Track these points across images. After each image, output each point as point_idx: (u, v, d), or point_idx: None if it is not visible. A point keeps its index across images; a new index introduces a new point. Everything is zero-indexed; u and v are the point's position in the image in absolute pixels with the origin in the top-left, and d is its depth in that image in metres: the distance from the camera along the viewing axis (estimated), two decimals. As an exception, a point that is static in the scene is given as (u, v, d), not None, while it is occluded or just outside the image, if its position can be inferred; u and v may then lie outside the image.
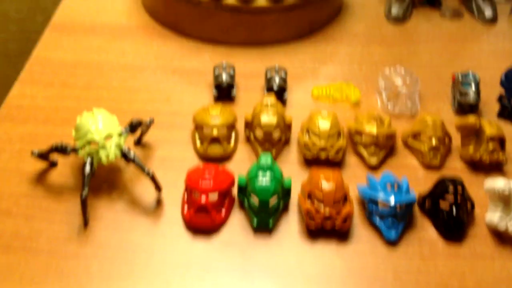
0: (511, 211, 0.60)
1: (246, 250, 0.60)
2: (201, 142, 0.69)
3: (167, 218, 0.62)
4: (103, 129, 0.61)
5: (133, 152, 0.61)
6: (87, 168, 0.60)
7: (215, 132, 0.68)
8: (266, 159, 0.62)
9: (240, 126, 0.72)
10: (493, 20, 0.94)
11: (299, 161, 0.70)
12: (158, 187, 0.62)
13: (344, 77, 0.82)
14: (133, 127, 0.64)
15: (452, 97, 0.77)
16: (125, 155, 0.61)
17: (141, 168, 0.61)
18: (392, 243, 0.61)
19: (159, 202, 0.64)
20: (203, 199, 0.60)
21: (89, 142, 0.61)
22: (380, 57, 0.86)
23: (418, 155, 0.70)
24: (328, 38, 0.89)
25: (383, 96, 0.77)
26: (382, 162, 0.69)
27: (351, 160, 0.70)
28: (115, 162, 0.63)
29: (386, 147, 0.69)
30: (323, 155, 0.67)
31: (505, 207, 0.60)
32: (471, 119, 0.66)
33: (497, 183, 0.60)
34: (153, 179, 0.61)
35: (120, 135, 0.62)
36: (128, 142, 0.69)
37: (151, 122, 0.68)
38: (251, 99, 0.77)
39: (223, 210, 0.62)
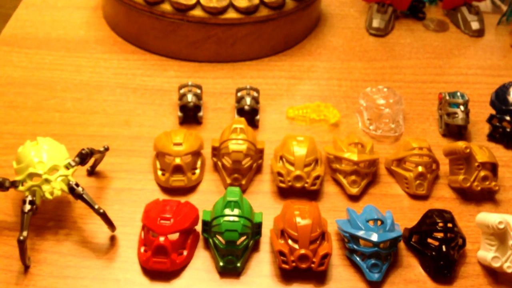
0: (508, 250, 0.54)
1: (211, 297, 0.53)
2: (163, 172, 0.62)
3: (122, 260, 0.55)
4: (47, 161, 0.54)
5: (82, 187, 0.54)
6: (27, 207, 0.52)
7: (177, 161, 0.60)
8: (233, 193, 0.55)
9: (207, 152, 0.65)
10: (480, 32, 0.88)
11: (272, 191, 0.63)
12: (111, 226, 0.55)
13: (323, 95, 0.75)
14: (83, 159, 0.56)
15: (439, 118, 0.71)
16: (72, 190, 0.54)
17: (91, 205, 0.53)
18: (375, 285, 0.54)
19: (113, 242, 0.56)
20: (161, 239, 0.53)
21: (31, 176, 0.53)
22: (360, 73, 0.80)
23: (402, 183, 0.63)
24: (305, 53, 0.83)
25: (364, 117, 0.71)
26: (363, 191, 0.63)
27: (330, 189, 0.63)
28: (63, 195, 0.55)
29: (368, 175, 0.63)
30: (298, 185, 0.61)
31: (500, 245, 0.54)
32: (460, 144, 0.60)
33: (491, 217, 0.54)
34: (105, 217, 0.53)
35: (67, 167, 0.55)
36: (81, 171, 0.61)
37: (106, 150, 0.60)
38: (220, 121, 0.70)
39: (185, 251, 0.55)
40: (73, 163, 0.56)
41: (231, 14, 0.75)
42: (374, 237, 0.54)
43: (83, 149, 0.57)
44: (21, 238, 0.50)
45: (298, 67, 0.80)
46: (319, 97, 0.75)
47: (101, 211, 0.53)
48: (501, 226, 0.53)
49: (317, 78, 0.79)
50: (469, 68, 0.82)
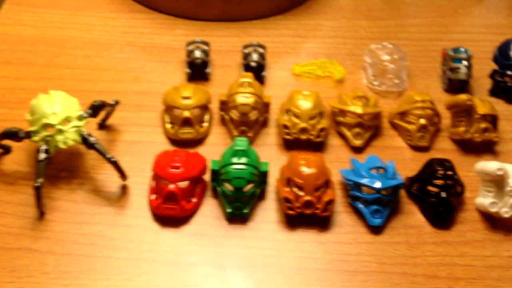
0: (504, 195, 0.55)
1: (220, 241, 0.55)
2: (172, 125, 0.64)
3: (133, 208, 0.57)
4: (60, 112, 0.56)
5: (95, 137, 0.56)
6: (42, 156, 0.54)
7: (186, 114, 0.62)
8: (241, 142, 0.57)
9: (214, 106, 0.66)
10: (485, -9, 0.88)
11: (278, 143, 0.65)
12: (123, 176, 0.57)
13: (328, 53, 0.76)
14: (95, 110, 0.58)
15: (442, 74, 0.73)
16: (85, 140, 0.56)
17: (103, 154, 0.55)
18: (376, 230, 0.57)
19: (124, 191, 0.58)
20: (171, 186, 0.55)
21: (45, 127, 0.55)
22: (366, 32, 0.80)
23: (405, 135, 0.65)
24: (310, 12, 0.83)
25: (368, 73, 0.72)
26: (367, 144, 0.65)
27: (334, 142, 0.65)
28: (76, 147, 0.57)
29: (372, 128, 0.65)
30: (304, 137, 0.62)
31: (498, 192, 0.56)
32: (462, 96, 0.62)
33: (490, 165, 0.55)
34: (117, 166, 0.56)
35: (80, 118, 0.57)
36: (92, 126, 0.63)
37: (117, 103, 0.62)
38: (227, 78, 0.72)
39: (194, 198, 0.57)
40: (85, 115, 0.58)
41: (237, -28, 0.76)
42: (377, 184, 0.56)
43: (95, 101, 0.59)
44: (37, 184, 0.53)
45: (304, 26, 0.81)
46: (325, 55, 0.76)
47: (113, 159, 0.55)
48: (500, 173, 0.54)
49: (323, 36, 0.79)
50: (473, 27, 0.83)
